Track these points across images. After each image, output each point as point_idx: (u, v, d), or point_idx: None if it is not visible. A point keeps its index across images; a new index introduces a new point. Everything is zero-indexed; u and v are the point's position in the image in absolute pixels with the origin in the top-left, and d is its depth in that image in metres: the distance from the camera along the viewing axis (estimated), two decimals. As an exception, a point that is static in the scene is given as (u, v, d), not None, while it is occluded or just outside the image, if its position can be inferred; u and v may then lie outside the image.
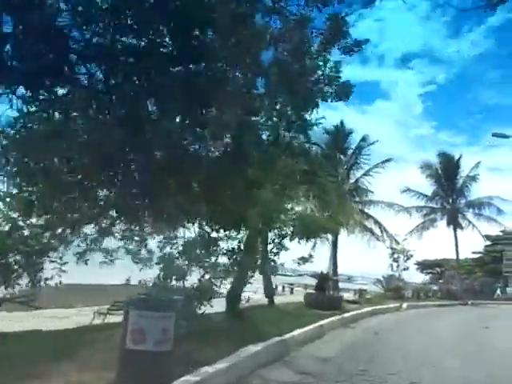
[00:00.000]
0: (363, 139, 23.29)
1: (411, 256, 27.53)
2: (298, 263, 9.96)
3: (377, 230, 24.34)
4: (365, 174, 23.38)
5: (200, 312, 7.18)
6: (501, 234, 65.31)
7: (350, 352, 8.66)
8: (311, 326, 10.11)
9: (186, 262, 6.96)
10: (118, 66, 5.03)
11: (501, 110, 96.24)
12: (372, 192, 23.15)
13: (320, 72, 7.72)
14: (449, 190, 34.77)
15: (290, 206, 12.08)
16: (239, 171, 6.58)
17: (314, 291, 15.41)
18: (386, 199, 26.03)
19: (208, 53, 4.94)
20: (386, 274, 26.75)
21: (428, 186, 35.74)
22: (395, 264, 27.34)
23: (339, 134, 22.79)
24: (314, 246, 23.23)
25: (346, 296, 31.48)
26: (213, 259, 7.48)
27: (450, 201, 34.89)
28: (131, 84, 5.09)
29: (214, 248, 7.29)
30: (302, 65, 7.20)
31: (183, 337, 5.59)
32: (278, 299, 19.79)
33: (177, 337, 4.86)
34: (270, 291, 14.10)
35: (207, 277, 7.24)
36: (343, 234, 23.67)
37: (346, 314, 13.76)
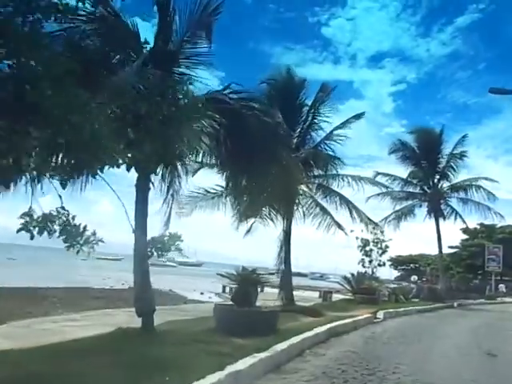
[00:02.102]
0: (322, 89, 16.89)
1: (387, 248, 21.61)
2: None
3: (342, 216, 18.00)
4: (326, 139, 17.12)
5: None
6: (478, 227, 60.78)
7: None
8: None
9: None
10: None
11: (469, 109, 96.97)
12: (339, 159, 16.80)
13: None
14: (429, 171, 29.02)
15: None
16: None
17: (231, 302, 9.00)
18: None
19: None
20: (357, 270, 20.77)
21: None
22: (367, 259, 21.41)
23: (287, 85, 16.51)
24: (248, 230, 17.26)
25: (311, 296, 25.60)
26: None
27: (431, 184, 29.16)
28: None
29: None
30: None
31: None
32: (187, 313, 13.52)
33: None
34: (142, 303, 7.71)
35: None
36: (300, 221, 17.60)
37: (280, 345, 7.52)
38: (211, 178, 16.29)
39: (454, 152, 27.64)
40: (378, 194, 28.45)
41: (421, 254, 74.56)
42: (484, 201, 27.86)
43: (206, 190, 16.35)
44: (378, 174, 28.61)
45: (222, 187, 16.49)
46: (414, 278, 28.65)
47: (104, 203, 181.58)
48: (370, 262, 21.27)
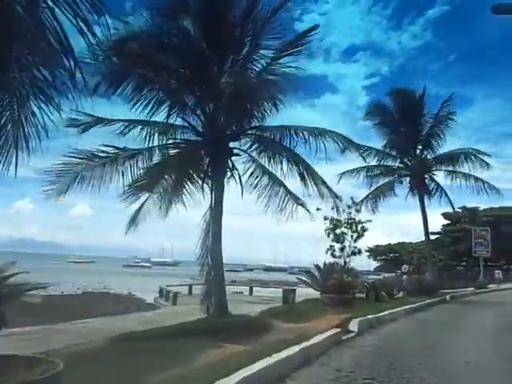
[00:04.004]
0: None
1: (364, 232, 16.14)
2: None
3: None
4: (270, 64, 11.46)
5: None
6: (460, 211, 56.21)
7: None
8: None
9: None
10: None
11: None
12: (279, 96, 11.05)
13: None
14: (410, 140, 23.78)
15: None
16: None
17: None
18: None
19: None
20: (325, 261, 15.24)
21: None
22: (338, 245, 15.97)
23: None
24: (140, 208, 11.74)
25: (274, 295, 20.24)
26: None
27: (413, 155, 23.92)
28: None
29: None
30: None
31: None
32: None
33: None
34: None
35: None
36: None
37: None
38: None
39: (440, 114, 22.43)
40: (352, 171, 23.30)
41: (400, 242, 69.96)
42: (476, 173, 22.76)
43: (91, 153, 10.67)
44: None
45: (116, 148, 10.94)
46: (406, 267, 23.12)
47: (80, 207, 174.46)
48: (342, 249, 15.84)
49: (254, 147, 12.18)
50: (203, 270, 10.87)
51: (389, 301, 15.14)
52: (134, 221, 10.97)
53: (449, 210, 54.60)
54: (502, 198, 22.76)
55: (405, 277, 20.90)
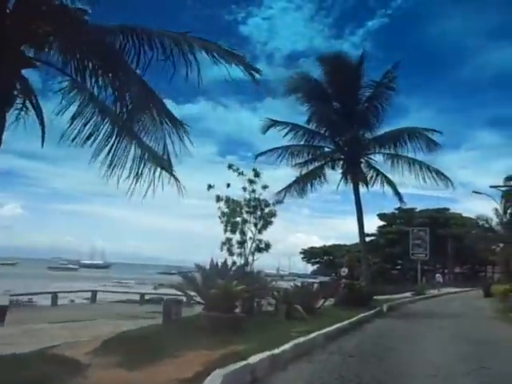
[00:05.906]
0: None
1: (272, 218, 11.30)
2: None
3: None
4: None
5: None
6: (396, 212, 53.84)
7: None
8: None
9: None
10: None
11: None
12: None
13: None
14: (344, 117, 19.41)
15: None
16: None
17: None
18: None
19: None
20: (212, 259, 10.19)
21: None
22: (236, 237, 11.02)
23: None
24: None
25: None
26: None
27: (348, 135, 19.57)
28: None
29: None
30: None
31: None
32: None
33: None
34: None
35: None
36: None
37: None
38: None
39: (383, 81, 18.23)
40: (271, 151, 18.76)
41: (335, 244, 66.93)
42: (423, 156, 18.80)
43: None
44: (275, 122, 18.76)
45: None
46: (345, 270, 18.89)
47: (11, 206, 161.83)
48: (242, 244, 10.91)
49: (73, 62, 6.98)
50: None
51: (305, 318, 10.36)
52: None
53: (386, 211, 51.79)
54: (452, 186, 18.82)
55: (344, 280, 16.72)
